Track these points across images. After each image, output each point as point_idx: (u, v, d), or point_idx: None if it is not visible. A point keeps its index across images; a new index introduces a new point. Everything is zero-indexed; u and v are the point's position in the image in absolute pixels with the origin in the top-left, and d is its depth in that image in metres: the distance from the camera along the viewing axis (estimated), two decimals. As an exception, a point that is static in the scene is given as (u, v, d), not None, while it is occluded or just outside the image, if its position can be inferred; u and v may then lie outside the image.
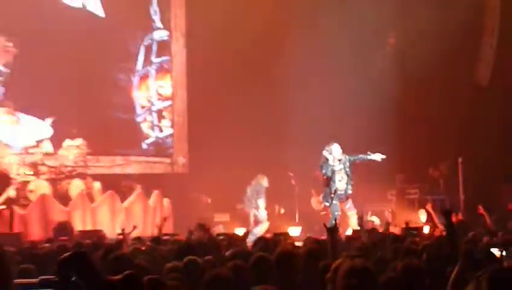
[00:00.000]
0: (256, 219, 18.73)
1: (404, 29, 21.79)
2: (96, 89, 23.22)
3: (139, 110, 24.30)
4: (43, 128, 22.15)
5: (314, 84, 19.74)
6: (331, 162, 18.32)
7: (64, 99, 22.33)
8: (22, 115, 22.25)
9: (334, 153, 18.37)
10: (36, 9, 22.66)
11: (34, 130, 22.22)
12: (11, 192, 19.21)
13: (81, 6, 23.25)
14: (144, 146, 24.16)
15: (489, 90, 20.73)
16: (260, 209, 19.32)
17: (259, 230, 17.99)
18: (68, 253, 5.48)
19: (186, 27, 24.22)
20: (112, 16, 23.44)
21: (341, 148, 18.43)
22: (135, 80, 24.29)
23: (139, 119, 24.30)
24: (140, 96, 24.31)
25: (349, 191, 18.40)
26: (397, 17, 21.56)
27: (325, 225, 8.82)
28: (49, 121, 22.11)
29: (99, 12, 23.40)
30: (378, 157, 18.42)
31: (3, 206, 18.93)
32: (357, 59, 21.04)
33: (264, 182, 19.92)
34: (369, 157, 18.39)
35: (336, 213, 18.20)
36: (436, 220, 18.51)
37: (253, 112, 20.97)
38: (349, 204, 18.56)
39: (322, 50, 20.29)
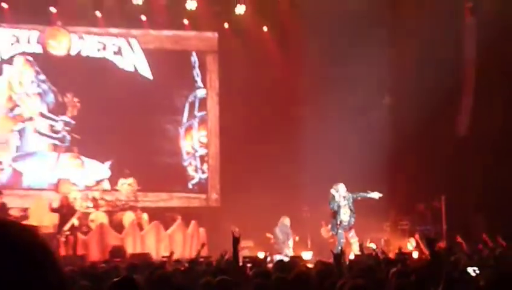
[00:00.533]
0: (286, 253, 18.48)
1: (397, 89, 21.58)
2: (147, 137, 23.32)
3: (185, 156, 24.26)
4: (102, 170, 22.41)
5: (325, 136, 19.60)
6: (337, 198, 18.35)
7: (120, 146, 22.49)
8: (85, 159, 22.51)
9: (340, 191, 18.39)
10: (98, 72, 22.96)
11: (95, 171, 22.45)
12: (75, 221, 19.20)
13: (133, 70, 23.38)
14: (190, 186, 24.09)
15: (467, 139, 20.56)
16: (290, 248, 19.43)
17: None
18: (119, 277, 5.65)
19: (219, 88, 24.13)
20: (160, 78, 23.42)
21: (345, 187, 18.50)
22: (181, 130, 24.22)
23: (185, 163, 24.23)
24: (186, 144, 24.29)
25: (352, 223, 18.41)
26: (391, 80, 21.50)
27: (332, 251, 8.92)
28: (107, 164, 22.33)
29: (148, 75, 23.44)
30: (376, 195, 18.44)
31: (68, 233, 18.97)
32: (359, 115, 20.97)
33: (287, 221, 19.94)
34: (368, 195, 18.41)
35: (341, 241, 18.21)
36: (422, 247, 18.53)
37: (274, 157, 21.01)
38: (352, 233, 18.55)
39: (331, 109, 20.10)
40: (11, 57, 22.76)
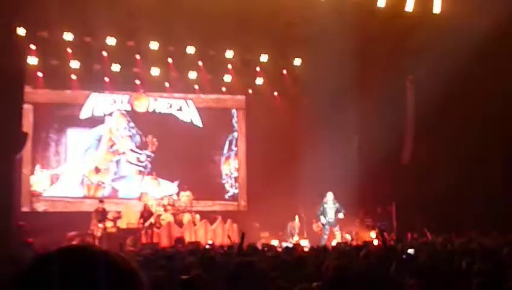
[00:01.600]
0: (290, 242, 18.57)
1: (362, 132, 21.55)
2: (201, 164, 23.57)
3: (224, 177, 24.32)
4: (172, 187, 22.49)
5: (317, 163, 19.61)
6: (324, 204, 18.57)
7: (183, 170, 22.63)
8: (160, 180, 22.68)
9: (328, 197, 18.60)
10: (167, 122, 23.30)
11: (167, 188, 22.58)
12: (152, 220, 19.38)
13: (189, 121, 23.64)
14: (226, 197, 24.18)
15: (410, 165, 20.57)
16: (294, 239, 19.50)
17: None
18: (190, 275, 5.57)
19: (245, 132, 24.31)
20: (207, 125, 23.63)
21: (333, 195, 18.68)
22: (222, 159, 24.35)
23: (224, 181, 24.30)
24: (225, 168, 24.33)
25: (335, 221, 18.60)
26: (358, 126, 21.52)
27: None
28: (176, 183, 22.43)
29: (199, 124, 23.68)
30: (341, 215, 18.71)
31: (148, 228, 19.13)
32: (338, 148, 20.92)
33: (296, 224, 20.13)
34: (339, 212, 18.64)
35: (326, 233, 18.45)
36: (379, 237, 18.64)
37: (281, 177, 20.92)
38: (337, 227, 18.75)
39: (320, 144, 20.13)
40: (111, 112, 23.05)
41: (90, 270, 1.44)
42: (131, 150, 23.47)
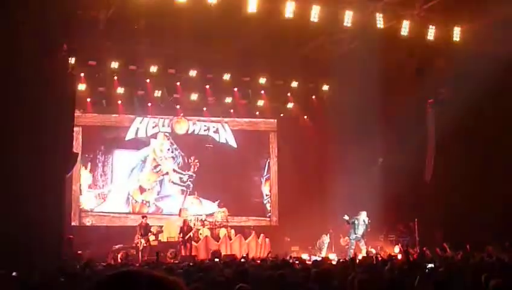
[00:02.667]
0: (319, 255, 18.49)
1: (387, 153, 21.43)
2: (240, 185, 23.67)
3: (265, 197, 24.38)
4: (213, 206, 22.43)
5: (344, 184, 19.53)
6: (357, 221, 18.50)
7: (223, 190, 22.70)
8: (202, 199, 22.70)
9: (362, 216, 18.52)
10: (205, 143, 23.34)
11: (208, 207, 22.57)
12: (191, 234, 19.44)
13: (225, 142, 23.76)
14: (268, 214, 24.22)
15: (431, 183, 20.39)
16: (322, 252, 19.38)
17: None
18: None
19: (277, 153, 24.32)
20: (241, 146, 23.71)
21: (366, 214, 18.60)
22: (263, 180, 24.43)
23: (265, 201, 24.37)
24: (265, 189, 24.38)
25: (363, 236, 18.51)
26: (383, 148, 21.39)
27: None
28: (217, 202, 22.34)
29: (233, 144, 23.76)
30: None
31: (187, 241, 19.18)
32: (364, 169, 20.85)
33: (326, 240, 20.03)
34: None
35: (352, 247, 18.34)
36: (403, 252, 18.45)
37: (311, 196, 20.97)
38: (362, 242, 18.63)
39: (349, 166, 20.11)
40: (155, 134, 23.17)
41: None
42: (174, 171, 23.44)
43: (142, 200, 22.71)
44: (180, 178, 23.41)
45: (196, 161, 23.22)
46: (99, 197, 22.44)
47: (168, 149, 23.45)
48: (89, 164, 22.48)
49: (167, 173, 23.34)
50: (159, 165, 23.35)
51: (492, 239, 15.77)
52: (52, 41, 14.91)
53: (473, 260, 11.46)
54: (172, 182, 23.38)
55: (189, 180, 23.32)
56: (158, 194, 23.19)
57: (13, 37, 13.66)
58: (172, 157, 23.48)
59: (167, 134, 23.33)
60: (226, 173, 22.99)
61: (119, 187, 22.78)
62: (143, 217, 20.03)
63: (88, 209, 22.17)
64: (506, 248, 15.04)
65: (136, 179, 23.06)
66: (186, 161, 23.42)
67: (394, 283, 7.45)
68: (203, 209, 22.32)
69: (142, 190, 23.01)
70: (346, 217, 18.60)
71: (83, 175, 22.23)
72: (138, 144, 23.13)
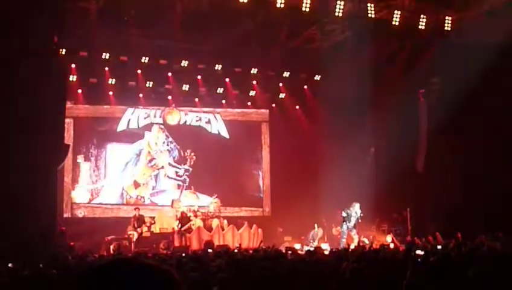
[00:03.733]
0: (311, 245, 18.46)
1: (379, 143, 21.46)
2: (232, 175, 23.45)
3: (257, 187, 24.27)
4: (210, 200, 21.92)
5: (336, 173, 19.45)
6: (350, 213, 18.50)
7: (216, 180, 22.52)
8: (199, 194, 22.51)
9: (356, 208, 18.53)
10: (200, 136, 23.26)
11: (205, 202, 22.18)
12: (190, 225, 19.46)
13: (217, 133, 23.69)
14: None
15: (423, 174, 20.45)
16: (315, 242, 19.33)
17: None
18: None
19: (270, 143, 24.30)
20: (234, 137, 23.56)
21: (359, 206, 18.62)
22: (259, 172, 24.34)
23: (258, 192, 24.24)
24: (258, 179, 24.30)
25: (355, 226, 18.53)
26: (375, 137, 21.43)
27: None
28: (214, 196, 21.73)
29: (226, 135, 23.66)
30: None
31: (182, 232, 19.17)
32: (356, 160, 20.93)
33: (320, 232, 20.02)
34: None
35: (344, 237, 18.38)
36: (395, 241, 18.53)
37: (303, 187, 20.77)
38: (354, 231, 18.66)
39: (340, 156, 20.04)
40: (148, 126, 22.92)
41: (142, 281, 1.53)
42: (170, 165, 23.13)
43: (137, 196, 22.47)
44: (176, 172, 23.10)
45: (192, 154, 22.90)
46: (92, 193, 22.20)
47: (164, 142, 23.18)
48: (82, 157, 22.21)
49: (162, 167, 23.05)
50: (154, 158, 23.03)
51: (485, 229, 15.81)
52: (42, 32, 14.79)
53: (464, 249, 11.47)
54: (168, 176, 23.07)
55: (186, 175, 23.02)
56: (153, 189, 22.89)
57: (2, 29, 13.54)
58: (168, 150, 23.20)
59: (162, 126, 23.07)
60: (218, 164, 22.88)
61: (113, 182, 22.43)
62: (135, 208, 19.99)
63: (80, 203, 22.03)
64: (498, 238, 15.08)
65: (130, 173, 22.70)
66: (182, 154, 23.11)
67: (386, 272, 7.47)
68: (201, 203, 22.02)
69: (136, 184, 22.66)
70: (344, 214, 18.65)
71: (74, 170, 21.97)
72: (132, 137, 22.79)
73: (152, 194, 22.72)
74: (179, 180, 23.02)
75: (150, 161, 22.98)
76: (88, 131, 22.31)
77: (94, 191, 22.25)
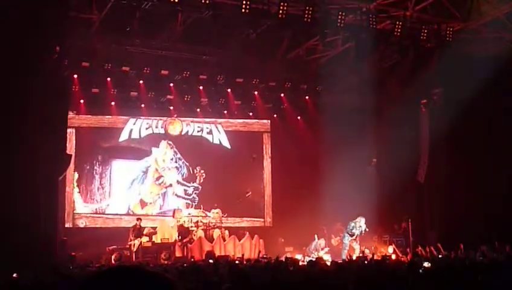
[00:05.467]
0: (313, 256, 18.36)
1: (380, 155, 21.49)
2: (234, 185, 23.00)
3: (259, 198, 23.86)
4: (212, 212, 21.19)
5: (337, 184, 19.39)
6: (355, 225, 18.48)
7: (218, 194, 22.19)
8: (208, 213, 21.27)
9: (361, 222, 18.51)
10: (201, 146, 23.04)
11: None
12: (191, 237, 19.39)
13: (218, 143, 23.62)
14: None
15: (424, 184, 20.40)
16: (318, 253, 19.18)
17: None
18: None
19: (271, 153, 24.23)
20: (235, 147, 23.45)
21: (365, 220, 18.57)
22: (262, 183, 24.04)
23: (259, 202, 23.81)
24: (259, 190, 23.97)
25: (357, 237, 18.49)
26: (377, 149, 21.46)
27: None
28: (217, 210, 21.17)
29: (227, 146, 23.57)
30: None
31: (183, 243, 19.07)
32: (357, 170, 20.88)
33: (322, 242, 19.92)
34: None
35: (346, 248, 18.34)
36: (397, 252, 18.48)
37: (304, 197, 20.72)
38: (355, 242, 18.64)
39: (342, 167, 19.87)
40: (156, 141, 22.54)
41: (144, 288, 1.53)
42: (178, 182, 22.56)
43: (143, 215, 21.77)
44: (185, 190, 22.53)
45: (202, 171, 22.30)
46: (97, 212, 21.65)
47: (172, 159, 22.68)
48: (85, 176, 21.67)
49: (170, 185, 22.48)
50: (162, 176, 22.46)
51: (486, 239, 15.77)
52: (45, 43, 14.83)
53: (468, 260, 11.44)
54: (176, 195, 22.47)
55: (195, 193, 22.42)
56: (160, 209, 22.29)
57: (5, 39, 13.57)
58: (176, 167, 22.68)
59: (170, 143, 22.66)
60: (219, 174, 22.75)
61: (118, 201, 21.85)
62: (138, 219, 19.86)
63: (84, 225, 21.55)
64: (495, 248, 15.06)
65: (136, 191, 22.14)
66: (191, 171, 22.56)
67: (388, 283, 7.45)
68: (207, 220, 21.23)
69: (143, 203, 22.10)
70: (350, 227, 18.65)
71: (76, 191, 21.35)
72: (139, 153, 22.36)
73: (159, 214, 22.13)
74: (187, 199, 22.43)
75: (158, 178, 22.43)
76: (91, 144, 21.93)
77: (99, 210, 21.68)
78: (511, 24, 16.84)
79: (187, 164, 22.74)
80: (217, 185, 22.55)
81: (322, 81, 21.85)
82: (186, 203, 22.39)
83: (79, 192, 21.58)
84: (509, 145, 17.61)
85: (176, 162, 22.69)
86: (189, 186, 22.55)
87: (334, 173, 20.16)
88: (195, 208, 21.69)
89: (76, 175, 21.52)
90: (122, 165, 22.23)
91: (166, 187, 22.48)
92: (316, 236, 20.15)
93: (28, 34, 13.65)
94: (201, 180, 22.33)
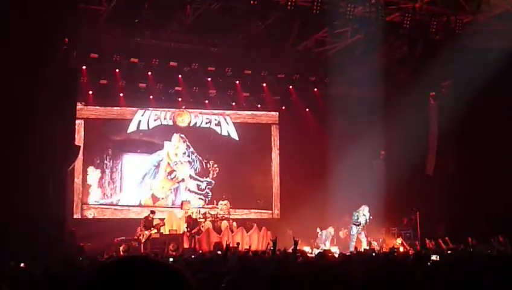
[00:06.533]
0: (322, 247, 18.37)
1: (389, 147, 21.45)
2: (246, 179, 23.09)
3: (267, 189, 23.77)
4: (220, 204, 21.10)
5: (345, 177, 19.50)
6: (359, 214, 18.50)
7: (226, 185, 22.27)
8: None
9: (365, 211, 18.51)
10: (209, 138, 23.05)
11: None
12: (200, 228, 19.41)
13: (227, 134, 23.67)
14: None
15: (433, 176, 20.39)
16: (326, 244, 19.28)
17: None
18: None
19: (279, 145, 24.24)
20: (243, 138, 23.42)
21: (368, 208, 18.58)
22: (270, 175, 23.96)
23: (267, 194, 23.67)
24: (267, 181, 23.85)
25: (363, 228, 18.51)
26: (385, 141, 21.41)
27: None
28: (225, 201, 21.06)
29: (235, 137, 23.60)
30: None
31: (192, 234, 19.09)
32: (366, 163, 20.99)
33: (331, 230, 19.94)
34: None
35: (354, 240, 18.35)
36: (405, 244, 18.49)
37: (313, 189, 20.61)
38: (363, 234, 18.64)
39: (350, 159, 19.94)
40: (168, 135, 22.44)
41: (153, 278, 1.53)
42: (191, 177, 22.33)
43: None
44: (198, 185, 22.30)
45: (216, 165, 22.22)
46: (105, 203, 21.63)
47: (184, 153, 22.46)
48: (97, 170, 21.55)
49: (183, 180, 22.23)
50: (174, 171, 22.21)
51: (495, 232, 15.75)
52: (53, 34, 14.88)
53: (476, 253, 11.44)
54: (188, 190, 22.21)
55: (208, 188, 22.22)
56: (173, 204, 21.96)
57: (14, 31, 13.62)
58: (189, 161, 22.45)
59: (182, 136, 22.50)
60: (227, 166, 22.82)
61: (129, 196, 21.68)
62: (152, 212, 19.72)
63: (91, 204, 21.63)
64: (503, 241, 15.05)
65: (148, 186, 21.91)
66: (204, 165, 22.40)
67: (397, 276, 7.45)
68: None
69: (154, 199, 21.88)
70: (355, 218, 18.66)
71: (89, 181, 21.25)
72: (150, 147, 22.18)
73: (168, 206, 21.91)
74: (200, 194, 22.23)
75: (170, 173, 22.19)
76: (100, 136, 21.87)
77: (110, 205, 21.62)
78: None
79: (200, 158, 22.59)
80: (226, 177, 22.60)
81: (331, 73, 21.78)
82: (199, 198, 22.20)
83: (89, 185, 21.59)
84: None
85: (189, 156, 22.50)
86: (202, 181, 22.37)
87: (342, 165, 20.20)
88: (208, 204, 21.60)
89: (91, 169, 21.44)
90: (134, 159, 22.02)
91: (178, 182, 22.25)
92: (330, 227, 20.17)
93: (37, 25, 13.70)
94: (215, 175, 22.21)
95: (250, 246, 18.32)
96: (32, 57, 13.90)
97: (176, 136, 22.59)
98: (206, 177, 22.46)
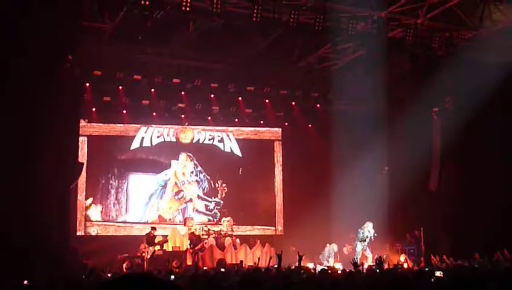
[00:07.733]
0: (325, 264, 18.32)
1: (392, 163, 21.39)
2: (249, 195, 22.97)
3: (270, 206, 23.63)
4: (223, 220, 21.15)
5: (348, 191, 19.44)
6: (365, 231, 18.45)
7: (230, 202, 22.27)
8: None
9: (369, 227, 18.47)
10: (213, 156, 22.95)
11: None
12: (202, 244, 19.35)
13: (229, 151, 23.64)
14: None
15: (436, 193, 20.30)
16: (330, 261, 19.22)
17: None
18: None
19: (282, 162, 24.20)
20: (246, 155, 23.44)
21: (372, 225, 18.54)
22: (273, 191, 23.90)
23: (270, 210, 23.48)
24: (270, 198, 23.75)
25: (368, 245, 18.45)
26: (389, 156, 21.35)
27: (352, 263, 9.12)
28: (228, 218, 21.11)
29: (238, 153, 23.54)
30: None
31: (195, 251, 19.03)
32: (369, 178, 20.75)
33: (335, 247, 19.87)
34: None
35: (358, 256, 18.25)
36: (408, 261, 18.39)
37: (315, 204, 20.50)
38: (368, 250, 18.59)
39: (351, 175, 19.91)
40: (175, 154, 22.38)
41: None
42: (199, 197, 22.17)
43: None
44: (206, 206, 22.10)
45: (224, 185, 22.05)
46: (109, 221, 21.41)
47: (192, 172, 22.29)
48: (100, 191, 21.33)
49: (191, 200, 22.04)
50: (182, 190, 21.99)
51: (500, 246, 15.66)
52: (57, 51, 14.94)
53: (482, 269, 11.37)
54: (197, 210, 22.01)
55: (216, 208, 22.02)
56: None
57: (19, 48, 13.68)
58: (197, 181, 22.26)
59: (190, 154, 22.40)
60: (230, 182, 22.80)
61: (135, 217, 21.44)
62: (153, 228, 19.72)
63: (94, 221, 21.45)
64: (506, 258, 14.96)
65: (155, 207, 21.68)
66: (212, 185, 22.21)
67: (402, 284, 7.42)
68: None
69: (161, 220, 21.68)
70: (360, 235, 18.62)
71: (88, 193, 21.00)
72: (157, 166, 22.00)
73: (171, 223, 21.72)
74: (209, 215, 22.03)
75: (177, 193, 21.97)
76: (103, 153, 21.76)
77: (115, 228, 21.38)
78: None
79: (208, 177, 22.42)
80: (229, 194, 22.56)
81: (333, 89, 21.84)
82: (208, 219, 21.98)
83: (94, 204, 21.41)
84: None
85: (197, 175, 22.29)
86: (210, 201, 22.15)
87: (345, 181, 20.16)
88: (216, 223, 21.41)
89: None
90: (140, 178, 21.82)
91: (186, 202, 22.05)
92: (333, 244, 20.10)
93: (40, 43, 13.76)
94: (223, 195, 22.04)
95: (255, 263, 18.25)
96: (35, 74, 13.93)
97: (183, 155, 22.45)
98: (214, 198, 22.32)
